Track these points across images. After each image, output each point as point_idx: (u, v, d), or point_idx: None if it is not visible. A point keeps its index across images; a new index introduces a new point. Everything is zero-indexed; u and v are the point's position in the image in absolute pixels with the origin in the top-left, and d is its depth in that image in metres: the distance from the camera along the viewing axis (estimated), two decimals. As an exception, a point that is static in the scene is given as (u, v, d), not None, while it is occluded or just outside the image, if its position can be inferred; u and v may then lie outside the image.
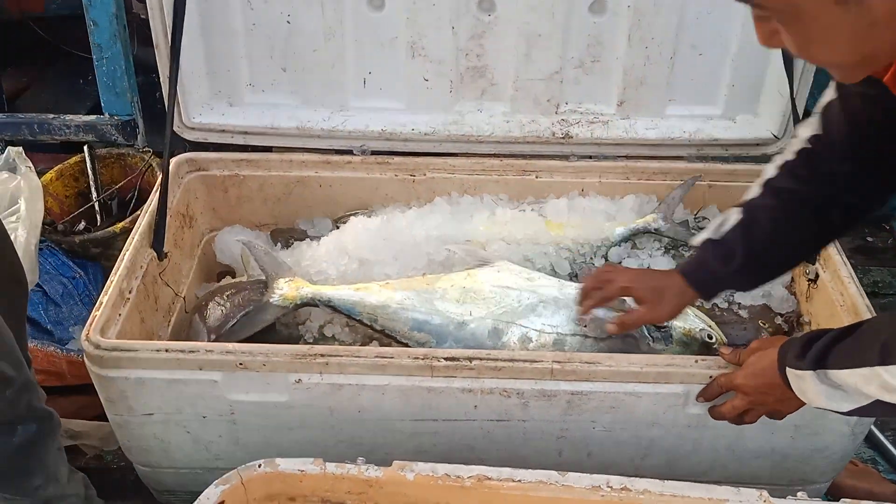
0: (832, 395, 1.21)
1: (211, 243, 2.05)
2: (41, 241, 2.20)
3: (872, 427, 2.05)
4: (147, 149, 2.56)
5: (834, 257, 1.77)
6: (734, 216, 1.45)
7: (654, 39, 1.97)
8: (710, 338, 1.71)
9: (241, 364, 1.51)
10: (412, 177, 2.05)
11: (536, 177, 2.05)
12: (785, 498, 1.37)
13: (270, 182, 2.05)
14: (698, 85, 2.06)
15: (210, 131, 2.04)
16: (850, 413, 1.21)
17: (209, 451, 1.66)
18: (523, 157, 2.06)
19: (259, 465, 1.40)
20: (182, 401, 1.55)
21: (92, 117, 2.59)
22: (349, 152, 2.06)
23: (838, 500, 1.32)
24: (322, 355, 1.51)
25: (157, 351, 1.49)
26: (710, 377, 1.49)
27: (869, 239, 2.80)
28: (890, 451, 2.09)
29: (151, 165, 2.55)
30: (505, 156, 2.06)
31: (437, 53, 1.99)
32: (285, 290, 1.75)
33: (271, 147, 2.10)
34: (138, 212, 2.40)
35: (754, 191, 1.44)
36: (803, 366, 1.22)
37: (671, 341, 1.70)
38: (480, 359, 1.52)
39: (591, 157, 2.07)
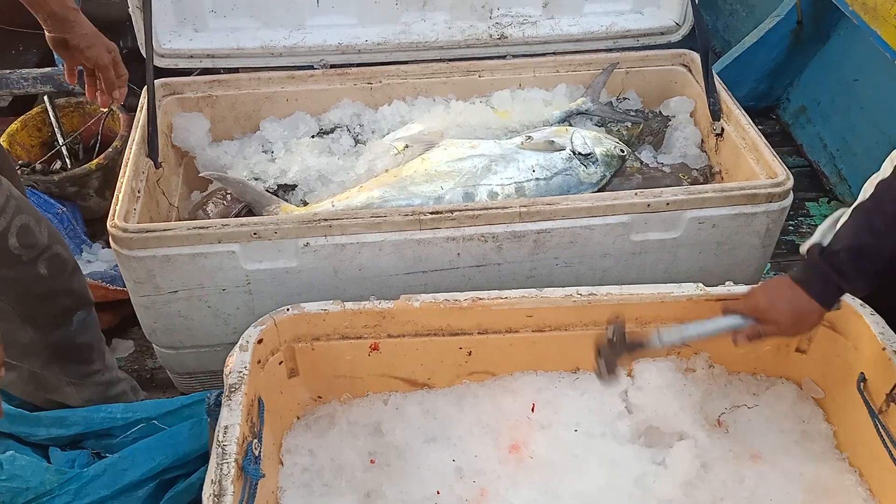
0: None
1: (192, 162, 2.22)
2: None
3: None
4: (106, 93, 2.67)
5: (734, 111, 2.13)
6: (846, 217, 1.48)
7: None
8: (623, 151, 2.07)
9: (255, 234, 1.73)
10: (370, 84, 2.28)
11: (479, 76, 2.32)
12: (716, 286, 1.72)
13: (241, 100, 2.23)
14: (610, -18, 2.38)
15: (179, 57, 2.20)
16: None
17: (227, 324, 1.87)
18: (466, 59, 2.33)
19: (287, 309, 1.64)
20: (204, 275, 1.75)
21: (48, 69, 2.68)
22: (310, 67, 2.27)
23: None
24: (326, 219, 1.75)
25: (181, 228, 1.69)
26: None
27: (760, 127, 3.21)
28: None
29: (112, 110, 2.68)
30: (450, 60, 2.32)
31: (380, -30, 2.23)
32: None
33: (238, 69, 2.28)
34: (109, 149, 2.55)
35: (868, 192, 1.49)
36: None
37: (598, 163, 2.03)
38: (460, 210, 1.79)
39: (524, 55, 2.36)
